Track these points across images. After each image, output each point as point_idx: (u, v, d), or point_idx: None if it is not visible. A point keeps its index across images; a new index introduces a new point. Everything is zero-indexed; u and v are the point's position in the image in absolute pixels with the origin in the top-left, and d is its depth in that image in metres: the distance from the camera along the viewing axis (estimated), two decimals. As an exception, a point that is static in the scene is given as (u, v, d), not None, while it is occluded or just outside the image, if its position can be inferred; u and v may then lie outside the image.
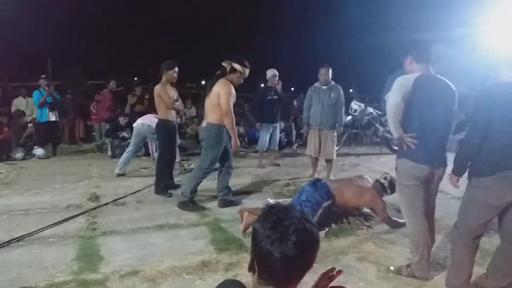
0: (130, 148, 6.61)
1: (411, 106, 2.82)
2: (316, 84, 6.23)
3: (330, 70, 6.10)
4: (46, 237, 3.80)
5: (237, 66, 4.58)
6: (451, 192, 5.13)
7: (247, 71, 4.71)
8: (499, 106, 2.45)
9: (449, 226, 4.13)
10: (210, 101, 4.61)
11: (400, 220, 4.00)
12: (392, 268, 3.18)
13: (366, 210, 4.44)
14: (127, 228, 4.07)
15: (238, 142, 4.76)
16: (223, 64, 4.64)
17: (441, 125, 2.90)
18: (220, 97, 4.50)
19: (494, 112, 2.45)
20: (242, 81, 4.78)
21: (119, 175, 6.42)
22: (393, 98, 2.82)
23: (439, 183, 3.08)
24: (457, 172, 2.74)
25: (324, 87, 6.11)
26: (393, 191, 4.06)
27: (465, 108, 11.57)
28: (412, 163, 2.88)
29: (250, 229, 3.73)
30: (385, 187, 4.17)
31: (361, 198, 4.14)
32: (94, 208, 4.70)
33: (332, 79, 6.18)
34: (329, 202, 3.95)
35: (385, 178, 4.22)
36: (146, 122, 6.54)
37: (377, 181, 4.28)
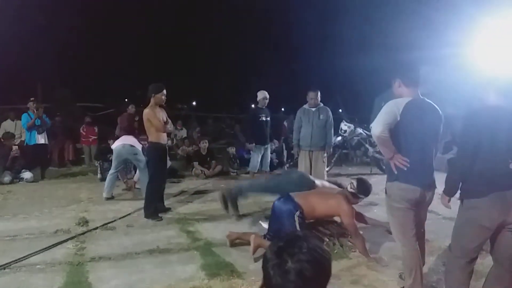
0: (112, 171, 6.51)
1: (400, 131, 2.84)
2: (305, 106, 6.29)
3: (319, 93, 6.18)
4: (33, 264, 3.70)
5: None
6: (442, 212, 5.16)
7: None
8: (488, 128, 2.49)
9: (441, 247, 4.15)
10: None
11: (361, 232, 4.04)
12: None
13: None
14: (116, 253, 3.99)
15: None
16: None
17: (429, 149, 2.94)
18: None
19: (482, 134, 2.49)
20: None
21: (107, 198, 6.34)
22: (375, 129, 2.83)
23: (428, 206, 3.10)
24: (448, 193, 2.76)
25: (313, 109, 6.17)
26: (366, 193, 4.10)
27: (452, 128, 11.76)
28: (404, 185, 2.88)
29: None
30: (354, 193, 4.05)
31: (327, 203, 4.08)
32: (83, 233, 4.61)
33: (321, 101, 6.25)
34: (298, 212, 3.89)
35: (351, 186, 4.11)
36: (127, 143, 6.42)
37: (345, 189, 4.27)
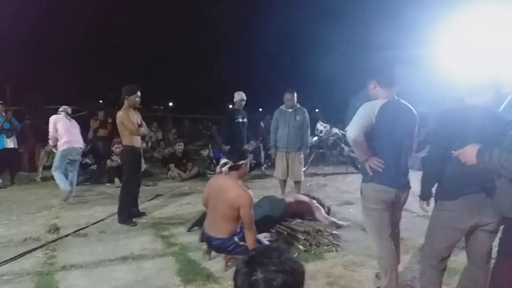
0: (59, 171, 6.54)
1: (376, 133, 2.86)
2: (282, 107, 6.28)
3: (295, 94, 6.18)
4: (0, 275, 3.55)
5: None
6: (417, 210, 5.23)
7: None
8: (459, 129, 2.47)
9: (416, 245, 4.20)
10: None
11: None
12: None
13: (334, 231, 4.49)
14: (89, 261, 3.86)
15: None
16: None
17: (405, 150, 2.96)
18: None
19: (453, 135, 2.48)
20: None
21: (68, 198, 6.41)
22: (350, 132, 2.86)
23: (403, 207, 3.13)
24: (424, 197, 2.77)
25: (290, 110, 6.17)
26: (243, 155, 3.87)
27: (425, 127, 12.01)
28: (380, 186, 2.90)
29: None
30: (234, 164, 3.65)
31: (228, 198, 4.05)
32: (54, 241, 4.46)
33: (297, 102, 6.25)
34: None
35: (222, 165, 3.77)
36: (78, 145, 6.71)
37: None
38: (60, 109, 7.04)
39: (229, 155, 3.80)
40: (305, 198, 5.15)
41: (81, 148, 6.85)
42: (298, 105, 6.24)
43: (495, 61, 2.31)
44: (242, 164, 3.65)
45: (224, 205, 3.48)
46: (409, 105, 3.04)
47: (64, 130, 6.69)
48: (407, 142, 2.96)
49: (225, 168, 3.58)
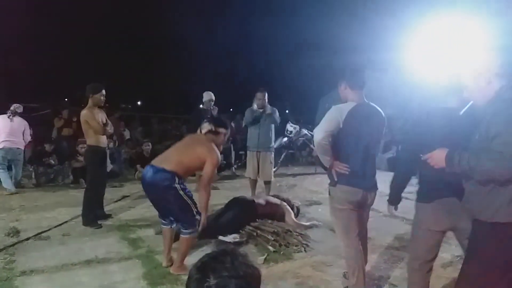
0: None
1: (343, 137, 2.88)
2: (253, 106, 6.27)
3: (266, 94, 6.19)
4: (-47, 282, 3.36)
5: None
6: (383, 210, 5.33)
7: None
8: (427, 134, 2.46)
9: (383, 245, 4.29)
10: None
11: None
12: None
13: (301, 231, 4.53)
14: (50, 265, 3.71)
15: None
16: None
17: (372, 152, 3.00)
18: None
19: (422, 140, 2.47)
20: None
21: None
22: (316, 135, 2.88)
23: (370, 207, 3.18)
24: (392, 201, 2.80)
25: (261, 110, 6.17)
26: (224, 125, 3.96)
27: (391, 128, 12.31)
28: (347, 187, 2.93)
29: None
30: (212, 130, 3.75)
31: (195, 152, 3.85)
32: (13, 245, 4.26)
33: (267, 102, 6.26)
34: (176, 180, 3.59)
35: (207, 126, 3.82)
36: (18, 146, 7.03)
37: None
38: (10, 108, 7.12)
39: (213, 120, 3.84)
40: (276, 200, 5.16)
41: (18, 148, 7.05)
42: (269, 106, 6.25)
43: (458, 66, 2.32)
44: (221, 133, 3.70)
45: (190, 151, 3.53)
46: (378, 108, 3.08)
47: (1, 130, 6.91)
48: (375, 144, 3.01)
49: (204, 129, 3.70)
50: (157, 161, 3.53)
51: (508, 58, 2.07)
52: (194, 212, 3.47)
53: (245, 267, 1.10)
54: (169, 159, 3.49)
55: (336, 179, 2.95)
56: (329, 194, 3.08)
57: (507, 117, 1.92)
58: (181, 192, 3.39)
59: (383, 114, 3.07)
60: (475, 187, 2.09)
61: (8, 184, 6.85)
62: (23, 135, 7.20)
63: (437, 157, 2.14)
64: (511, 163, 1.86)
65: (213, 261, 1.11)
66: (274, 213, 4.96)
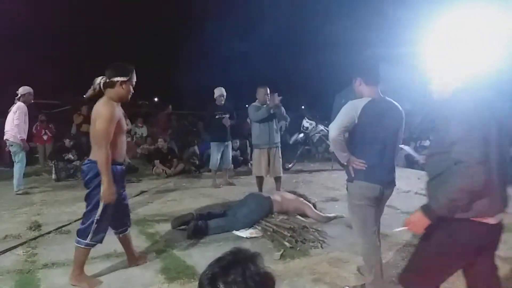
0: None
1: (358, 132, 2.87)
2: (257, 103, 6.24)
3: (268, 89, 6.20)
4: (-21, 274, 3.46)
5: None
6: (400, 207, 5.29)
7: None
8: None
9: (400, 242, 4.24)
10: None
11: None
12: None
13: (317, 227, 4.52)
14: (71, 258, 3.71)
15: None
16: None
17: (389, 147, 2.95)
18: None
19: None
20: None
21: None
22: (331, 131, 2.88)
23: (386, 202, 3.15)
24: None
25: (264, 106, 6.13)
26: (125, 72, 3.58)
27: (409, 124, 12.16)
28: (364, 183, 2.91)
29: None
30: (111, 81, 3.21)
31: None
32: (35, 238, 4.37)
33: (283, 99, 6.24)
34: None
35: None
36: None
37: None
38: None
39: (107, 70, 3.19)
40: (293, 196, 5.16)
41: (7, 140, 6.65)
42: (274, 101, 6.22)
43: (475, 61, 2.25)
44: (118, 81, 3.13)
45: (92, 124, 3.14)
46: (395, 102, 3.03)
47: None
48: (393, 139, 2.96)
49: (95, 85, 3.17)
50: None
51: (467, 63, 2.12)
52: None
53: (257, 277, 1.09)
54: (93, 150, 3.17)
55: (353, 175, 2.94)
56: (347, 190, 3.06)
57: (464, 124, 1.91)
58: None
59: (400, 108, 3.02)
60: (433, 182, 2.11)
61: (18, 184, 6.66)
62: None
63: (417, 222, 2.08)
64: (476, 171, 1.85)
65: (224, 272, 1.10)
66: (294, 209, 4.96)
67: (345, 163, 2.95)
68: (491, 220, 1.99)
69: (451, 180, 1.91)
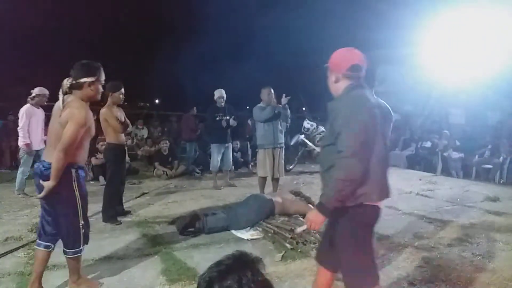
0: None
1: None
2: (262, 104, 6.25)
3: (272, 90, 6.22)
4: (-21, 276, 3.46)
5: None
6: (402, 208, 5.28)
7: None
8: None
9: (401, 243, 4.23)
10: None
11: None
12: None
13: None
14: (72, 261, 3.79)
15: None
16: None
17: (380, 148, 3.03)
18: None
19: None
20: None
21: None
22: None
23: None
24: None
25: (269, 107, 6.14)
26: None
27: (410, 125, 12.13)
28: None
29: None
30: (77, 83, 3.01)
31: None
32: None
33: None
34: None
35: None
36: None
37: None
38: None
39: (72, 70, 3.00)
40: (294, 198, 5.19)
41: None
42: (276, 101, 6.25)
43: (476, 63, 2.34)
44: (85, 82, 2.95)
45: (57, 124, 2.93)
46: (386, 104, 3.10)
47: None
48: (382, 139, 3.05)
49: (63, 88, 2.96)
50: (45, 156, 3.08)
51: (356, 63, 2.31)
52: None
53: (253, 285, 1.09)
54: (51, 151, 2.95)
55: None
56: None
57: (345, 117, 2.12)
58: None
59: (391, 111, 3.08)
60: (326, 174, 2.26)
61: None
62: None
63: (314, 219, 2.22)
64: (352, 161, 2.05)
65: (220, 277, 1.10)
66: (292, 210, 4.96)
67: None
68: (380, 204, 2.25)
69: (335, 172, 2.11)
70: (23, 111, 6.37)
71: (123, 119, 5.21)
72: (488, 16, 8.91)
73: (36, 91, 6.47)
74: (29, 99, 6.46)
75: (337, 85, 2.34)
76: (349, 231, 2.24)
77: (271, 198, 5.02)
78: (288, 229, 4.36)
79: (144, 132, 11.79)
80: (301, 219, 4.88)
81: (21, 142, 6.41)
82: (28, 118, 6.35)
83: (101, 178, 7.51)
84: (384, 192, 2.26)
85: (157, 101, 30.02)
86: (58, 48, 20.37)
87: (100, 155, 7.71)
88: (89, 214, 5.26)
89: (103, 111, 5.07)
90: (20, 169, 6.63)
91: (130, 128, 5.51)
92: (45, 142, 6.48)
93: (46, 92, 6.52)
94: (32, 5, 17.62)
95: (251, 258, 1.19)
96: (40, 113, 6.56)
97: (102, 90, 3.16)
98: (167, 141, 9.22)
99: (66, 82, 2.96)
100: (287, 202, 5.02)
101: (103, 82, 3.11)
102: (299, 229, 2.64)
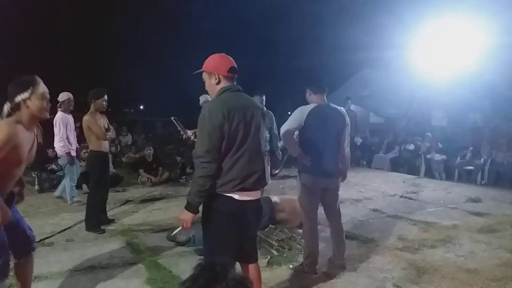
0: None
1: (307, 131, 3.44)
2: None
3: (264, 97, 6.25)
4: (-43, 290, 3.36)
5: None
6: (387, 211, 5.32)
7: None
8: None
9: (386, 245, 4.27)
10: None
11: None
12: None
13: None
14: (54, 271, 3.71)
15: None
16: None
17: (330, 147, 3.50)
18: None
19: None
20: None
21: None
22: (282, 129, 3.50)
23: (337, 192, 3.68)
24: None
25: None
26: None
27: (393, 128, 12.28)
28: (308, 175, 3.50)
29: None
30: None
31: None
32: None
33: (266, 104, 6.29)
34: None
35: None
36: None
37: None
38: None
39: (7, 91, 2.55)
40: (290, 197, 5.18)
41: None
42: (265, 109, 6.26)
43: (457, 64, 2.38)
44: (20, 101, 2.47)
45: None
46: (338, 108, 3.62)
47: None
48: (335, 139, 3.52)
49: (4, 114, 2.50)
50: None
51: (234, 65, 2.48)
52: None
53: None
54: None
55: (301, 168, 3.53)
56: (298, 178, 3.63)
57: (201, 119, 2.36)
58: None
59: (342, 113, 3.59)
60: None
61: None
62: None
63: (184, 218, 2.44)
64: (203, 160, 2.30)
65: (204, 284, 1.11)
66: (288, 207, 4.93)
67: (296, 156, 3.53)
68: (240, 196, 2.43)
69: (195, 174, 2.37)
70: (58, 119, 6.18)
71: (106, 126, 5.14)
72: (468, 21, 9.11)
73: (60, 97, 6.23)
74: (58, 107, 6.22)
75: (218, 86, 2.48)
76: (207, 217, 2.48)
77: (268, 196, 4.93)
78: (275, 238, 4.35)
79: (128, 139, 11.67)
80: (286, 230, 4.84)
81: (61, 151, 6.25)
82: (64, 125, 6.19)
83: (84, 186, 7.38)
84: (248, 184, 2.45)
85: (141, 107, 29.77)
86: (40, 50, 20.07)
87: (83, 163, 7.59)
88: (72, 223, 5.28)
89: (85, 118, 4.99)
90: (67, 179, 6.43)
91: (114, 135, 5.43)
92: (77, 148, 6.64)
93: (70, 96, 6.33)
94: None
95: (221, 267, 1.18)
96: (71, 119, 6.41)
97: (46, 106, 2.61)
98: (151, 148, 9.13)
99: (6, 107, 2.51)
100: (284, 200, 4.98)
101: (44, 94, 2.58)
102: (176, 231, 2.97)
